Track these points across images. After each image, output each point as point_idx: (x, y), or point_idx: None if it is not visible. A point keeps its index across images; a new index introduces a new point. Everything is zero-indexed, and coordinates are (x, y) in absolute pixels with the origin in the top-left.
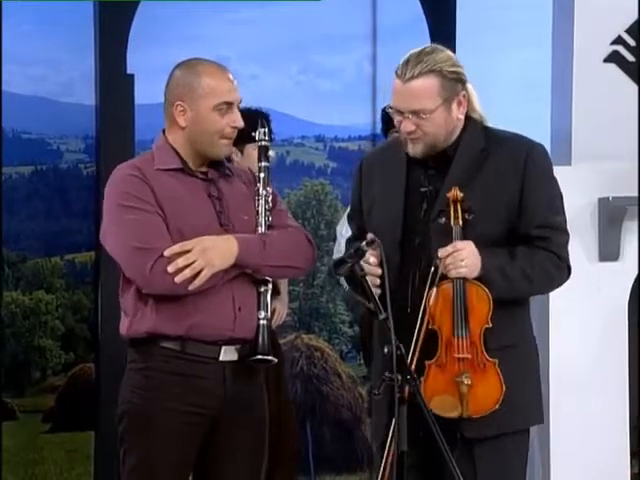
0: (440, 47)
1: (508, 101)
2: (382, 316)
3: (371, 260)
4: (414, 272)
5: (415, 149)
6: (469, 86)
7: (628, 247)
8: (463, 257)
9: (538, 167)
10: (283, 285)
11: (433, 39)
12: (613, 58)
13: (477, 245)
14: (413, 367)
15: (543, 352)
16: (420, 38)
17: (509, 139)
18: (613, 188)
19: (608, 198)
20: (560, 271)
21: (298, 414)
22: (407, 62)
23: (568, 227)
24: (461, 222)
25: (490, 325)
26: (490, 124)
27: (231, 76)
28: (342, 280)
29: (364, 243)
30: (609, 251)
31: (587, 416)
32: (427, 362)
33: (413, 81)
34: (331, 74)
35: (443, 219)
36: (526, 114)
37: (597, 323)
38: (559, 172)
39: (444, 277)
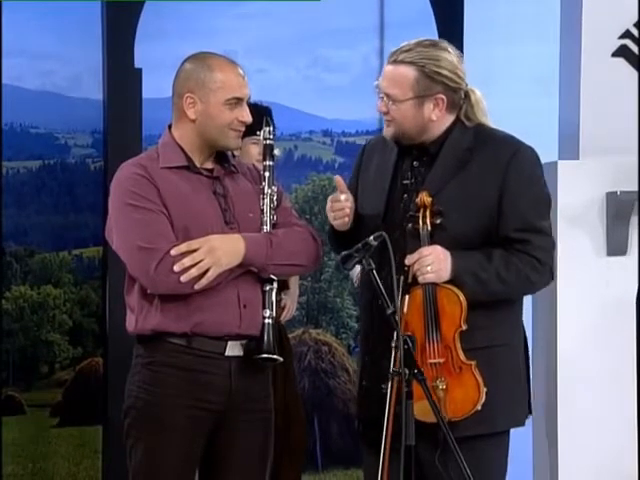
0: (445, 46)
1: (516, 95)
2: (389, 310)
3: (342, 197)
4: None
5: (387, 131)
6: (475, 95)
7: (636, 241)
8: (428, 263)
9: (521, 169)
10: (294, 279)
11: (440, 33)
12: (621, 52)
13: (450, 246)
14: (394, 379)
15: (551, 347)
16: (428, 32)
17: (497, 140)
18: (621, 182)
19: (616, 192)
20: (539, 275)
21: (306, 408)
22: (402, 46)
23: (576, 221)
24: (429, 227)
25: (464, 328)
26: (493, 124)
27: (242, 71)
28: (351, 274)
29: (372, 238)
30: (617, 245)
31: (595, 411)
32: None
33: (394, 66)
34: (338, 68)
35: (410, 225)
36: (534, 108)
37: (605, 317)
38: (567, 166)
39: (417, 282)
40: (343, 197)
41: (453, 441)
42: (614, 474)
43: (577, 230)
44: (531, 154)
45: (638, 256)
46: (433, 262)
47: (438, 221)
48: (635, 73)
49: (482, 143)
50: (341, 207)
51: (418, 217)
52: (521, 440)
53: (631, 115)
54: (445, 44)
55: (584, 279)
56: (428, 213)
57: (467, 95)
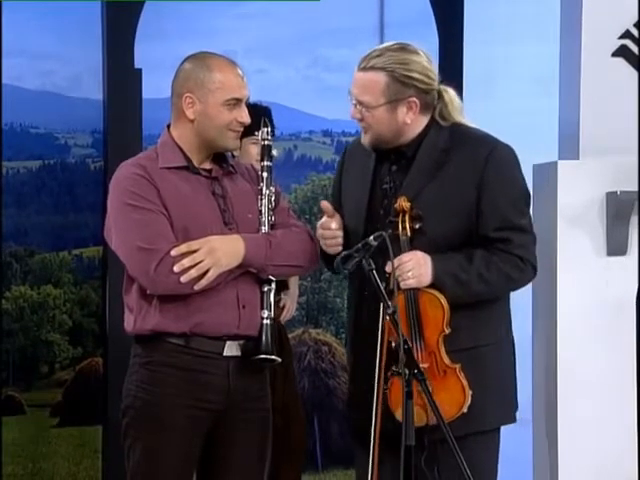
0: (414, 48)
1: (516, 95)
2: (390, 310)
3: (332, 225)
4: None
5: (364, 138)
6: (449, 94)
7: (636, 241)
8: (409, 269)
9: (498, 167)
10: (294, 280)
11: (440, 33)
12: (621, 52)
13: (431, 249)
14: (381, 381)
15: (551, 347)
16: (428, 32)
17: (473, 139)
18: (621, 182)
19: (616, 192)
20: (521, 272)
21: (306, 408)
22: (371, 52)
23: (576, 221)
24: (409, 232)
25: (448, 332)
26: (469, 122)
27: (241, 72)
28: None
29: (371, 237)
30: (617, 245)
31: (595, 411)
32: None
33: (363, 72)
34: (338, 68)
35: (390, 230)
36: (534, 108)
37: (605, 317)
38: (567, 166)
39: (398, 288)
40: (334, 225)
41: (453, 441)
42: (614, 475)
43: (577, 230)
44: (508, 152)
45: (638, 256)
46: (414, 267)
47: (417, 226)
48: (635, 73)
49: (458, 143)
50: (333, 236)
51: (397, 222)
52: (521, 440)
53: (631, 115)
54: (414, 47)
55: (584, 279)
56: (407, 218)
57: (440, 94)
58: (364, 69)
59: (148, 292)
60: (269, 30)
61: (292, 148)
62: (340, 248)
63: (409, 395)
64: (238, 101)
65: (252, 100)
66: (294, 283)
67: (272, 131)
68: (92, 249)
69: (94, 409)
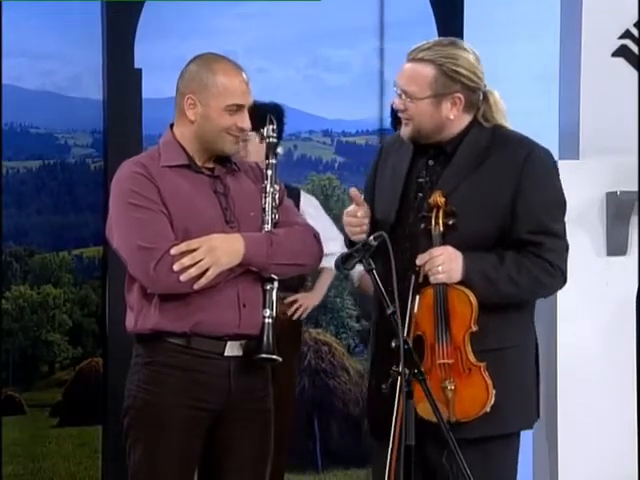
0: (464, 45)
1: (516, 95)
2: (390, 310)
3: (359, 213)
4: (399, 262)
5: (404, 130)
6: (494, 96)
7: (636, 241)
8: (439, 263)
9: (536, 170)
10: (324, 280)
11: (440, 33)
12: (621, 52)
13: (463, 247)
14: (403, 380)
15: (551, 346)
16: (428, 32)
17: (513, 141)
18: (621, 182)
19: (616, 192)
20: (551, 278)
21: (306, 408)
22: (421, 45)
23: (576, 221)
24: (442, 227)
25: (475, 329)
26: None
27: (246, 77)
28: (350, 274)
29: (371, 238)
30: (617, 245)
31: (595, 411)
32: None
33: (412, 63)
34: (339, 68)
35: (423, 225)
36: (534, 108)
37: (605, 317)
38: (567, 166)
39: (428, 282)
40: (360, 213)
41: (454, 441)
42: (614, 475)
43: (577, 230)
44: (545, 155)
45: (638, 256)
46: (444, 262)
47: (451, 222)
48: (635, 73)
49: (498, 143)
50: (359, 223)
51: (431, 217)
52: (521, 441)
53: (631, 115)
54: (463, 43)
55: (584, 279)
56: (441, 213)
57: (485, 96)
58: (413, 60)
59: (148, 291)
60: (269, 30)
61: (292, 148)
62: (365, 236)
63: (409, 395)
64: (240, 107)
65: (258, 100)
66: (323, 283)
67: (280, 128)
68: (92, 249)
69: (94, 409)
